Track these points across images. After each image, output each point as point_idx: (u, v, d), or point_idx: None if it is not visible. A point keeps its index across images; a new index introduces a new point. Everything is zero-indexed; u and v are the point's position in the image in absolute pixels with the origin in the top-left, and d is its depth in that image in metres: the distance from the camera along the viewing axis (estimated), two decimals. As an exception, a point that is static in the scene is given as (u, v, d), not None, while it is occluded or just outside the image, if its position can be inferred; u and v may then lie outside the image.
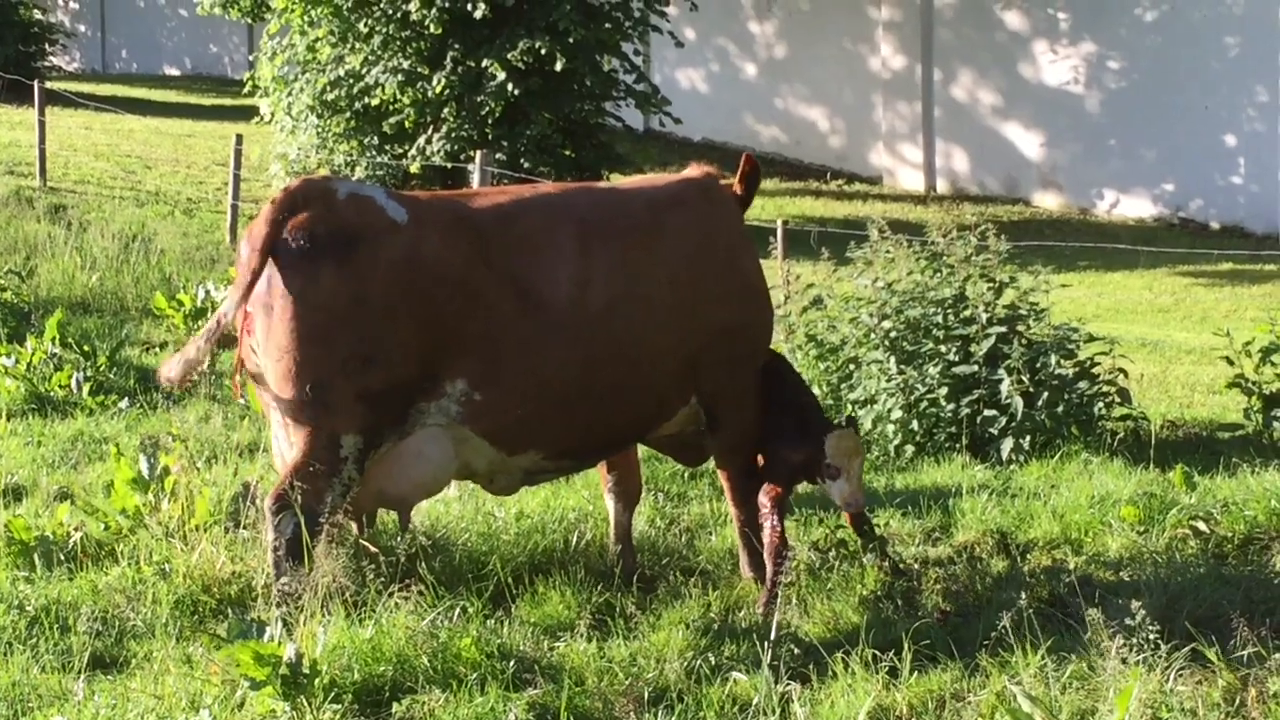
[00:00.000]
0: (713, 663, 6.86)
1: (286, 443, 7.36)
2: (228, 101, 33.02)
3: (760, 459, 8.18)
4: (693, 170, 8.36)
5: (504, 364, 7.39)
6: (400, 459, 7.44)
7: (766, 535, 7.80)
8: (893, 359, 11.37)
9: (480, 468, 7.70)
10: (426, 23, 22.66)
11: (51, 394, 12.21)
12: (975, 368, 11.06)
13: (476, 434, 7.47)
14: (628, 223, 7.83)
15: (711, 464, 8.63)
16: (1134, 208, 25.63)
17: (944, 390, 11.07)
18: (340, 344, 7.13)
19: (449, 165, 22.36)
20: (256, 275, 7.12)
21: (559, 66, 22.54)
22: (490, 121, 22.94)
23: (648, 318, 7.68)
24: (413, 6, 22.70)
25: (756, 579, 7.95)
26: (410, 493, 7.71)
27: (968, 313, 11.27)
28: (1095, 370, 11.36)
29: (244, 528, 8.02)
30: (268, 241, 7.13)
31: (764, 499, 7.89)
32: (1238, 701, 6.41)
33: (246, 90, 26.10)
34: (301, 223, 7.16)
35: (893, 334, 11.46)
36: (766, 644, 6.53)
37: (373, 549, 7.69)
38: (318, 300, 7.10)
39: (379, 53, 23.17)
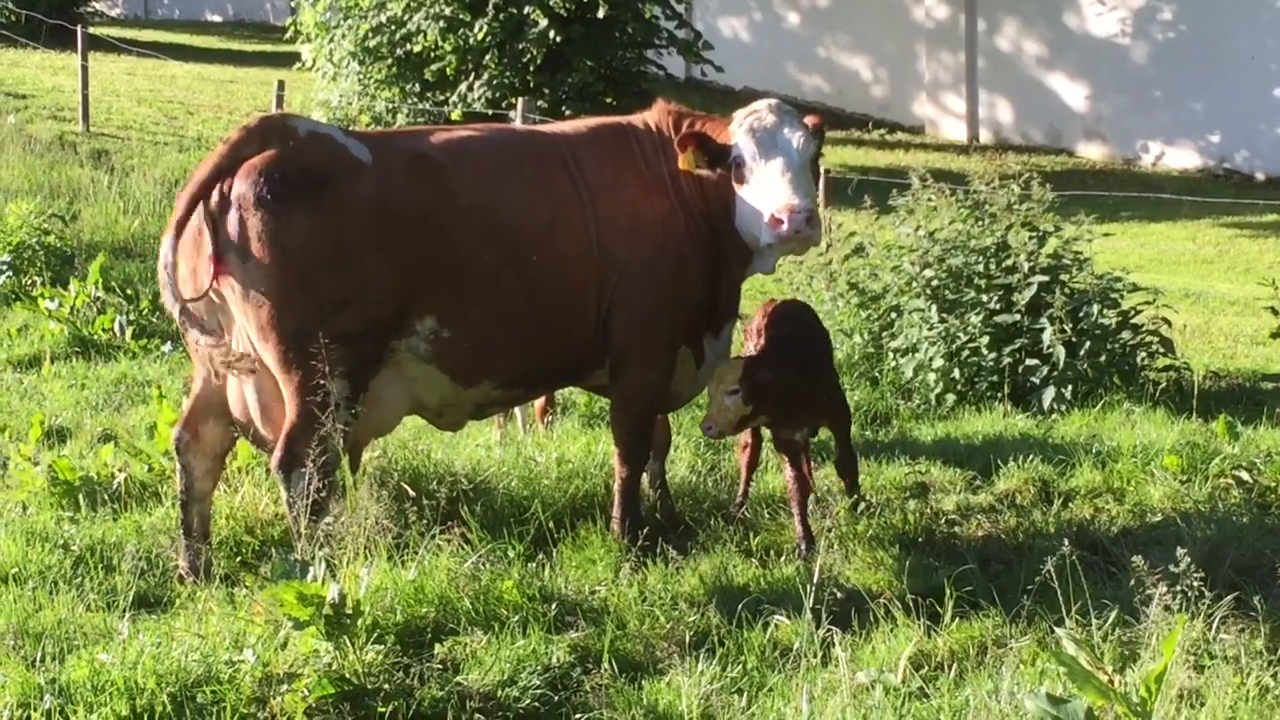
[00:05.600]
0: (754, 607, 6.88)
1: (252, 392, 7.23)
2: (270, 48, 32.98)
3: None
4: (654, 108, 8.13)
5: (469, 298, 7.37)
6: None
7: (787, 475, 7.89)
8: (934, 307, 11.32)
9: (431, 403, 7.66)
10: (469, -32, 22.60)
11: (95, 337, 12.28)
12: (1017, 317, 11.01)
13: (440, 370, 7.44)
14: (551, 156, 7.75)
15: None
16: (1179, 159, 25.43)
17: (985, 339, 11.03)
18: (319, 287, 7.04)
19: (490, 112, 22.30)
20: (188, 210, 7.01)
21: (601, 13, 22.46)
22: (532, 69, 22.88)
23: (573, 247, 7.62)
24: (455, -47, 22.65)
25: (621, 534, 7.74)
26: (364, 436, 7.65)
27: (1010, 261, 11.23)
28: (1138, 320, 11.31)
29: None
30: (210, 177, 7.02)
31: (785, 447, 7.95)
32: (1281, 650, 6.41)
33: (288, 36, 26.05)
34: (270, 163, 7.03)
35: (934, 282, 11.41)
36: (808, 589, 6.52)
37: (413, 492, 7.70)
38: (294, 243, 6.98)
39: (421, -1, 23.11)
